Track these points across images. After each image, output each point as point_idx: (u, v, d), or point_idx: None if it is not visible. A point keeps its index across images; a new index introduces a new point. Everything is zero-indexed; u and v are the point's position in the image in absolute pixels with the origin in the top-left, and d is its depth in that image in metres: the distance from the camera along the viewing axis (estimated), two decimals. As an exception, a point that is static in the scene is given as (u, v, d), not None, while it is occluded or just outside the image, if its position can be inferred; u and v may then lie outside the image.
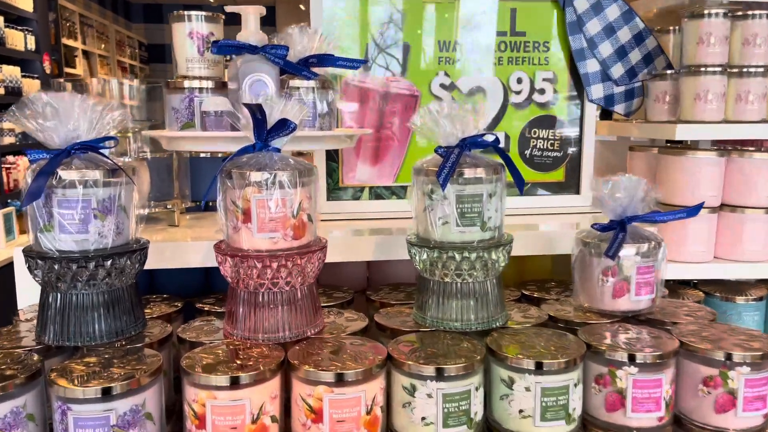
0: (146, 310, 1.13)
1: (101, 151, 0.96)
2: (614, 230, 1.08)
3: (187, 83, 1.21)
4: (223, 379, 0.85)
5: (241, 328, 0.98)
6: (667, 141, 1.66)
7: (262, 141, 0.97)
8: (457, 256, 0.98)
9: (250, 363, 0.88)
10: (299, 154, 1.73)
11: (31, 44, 4.36)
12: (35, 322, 1.01)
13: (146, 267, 1.02)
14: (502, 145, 1.57)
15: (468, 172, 0.97)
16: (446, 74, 1.50)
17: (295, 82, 1.19)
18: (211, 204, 1.67)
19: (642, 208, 1.10)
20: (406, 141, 1.51)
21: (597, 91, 1.56)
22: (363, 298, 1.26)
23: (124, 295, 0.99)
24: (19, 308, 1.17)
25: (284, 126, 0.95)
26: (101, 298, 0.96)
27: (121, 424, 0.84)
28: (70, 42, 5.53)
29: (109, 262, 0.94)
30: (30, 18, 4.39)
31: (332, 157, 1.50)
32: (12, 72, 4.04)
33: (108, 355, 0.92)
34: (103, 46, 6.55)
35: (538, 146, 1.56)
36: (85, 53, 6.04)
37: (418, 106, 1.51)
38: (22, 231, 3.15)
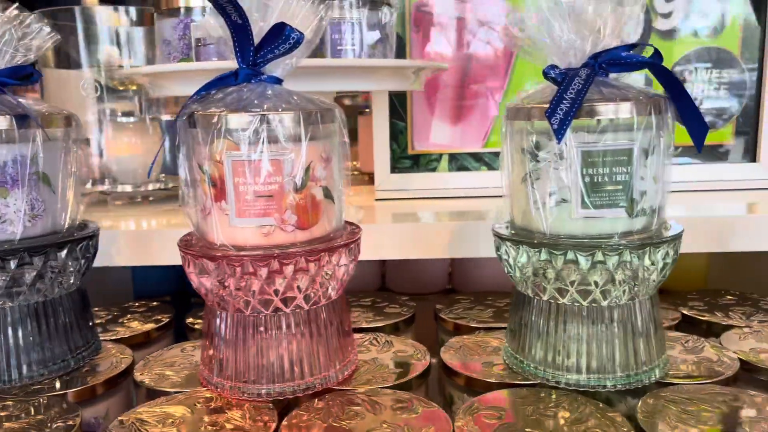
0: (118, 328, 0.78)
1: (5, 88, 0.61)
2: None
3: (182, 1, 0.85)
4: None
5: (218, 372, 0.61)
6: None
7: (247, 63, 0.58)
8: (584, 262, 0.55)
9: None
10: (359, 112, 1.34)
11: None
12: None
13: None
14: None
15: (604, 111, 0.54)
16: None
17: (332, -7, 0.81)
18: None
19: None
20: (502, 89, 1.08)
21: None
22: (432, 314, 0.85)
23: (50, 310, 0.64)
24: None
25: (280, 36, 0.56)
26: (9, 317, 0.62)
27: None
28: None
29: (14, 262, 0.59)
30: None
31: (398, 113, 1.09)
32: None
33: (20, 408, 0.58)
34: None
35: (694, 94, 1.08)
36: None
37: (519, 39, 1.08)
38: None
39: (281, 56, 0.57)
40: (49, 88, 1.03)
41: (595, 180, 0.54)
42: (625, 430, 0.51)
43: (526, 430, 0.51)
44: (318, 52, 0.83)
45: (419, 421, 0.53)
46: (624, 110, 0.54)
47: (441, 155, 1.08)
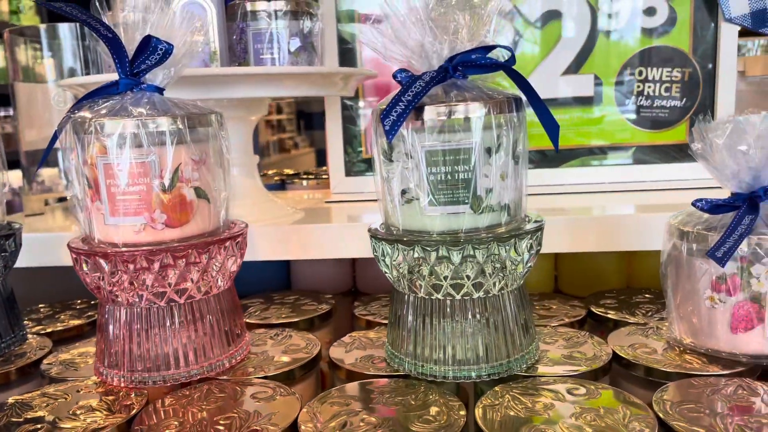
0: (51, 323, 0.84)
1: None
2: (734, 211, 0.61)
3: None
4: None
5: (106, 362, 0.65)
6: None
7: (126, 74, 0.62)
8: (431, 256, 0.57)
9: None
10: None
11: None
12: None
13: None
14: (591, 89, 1.11)
15: (443, 112, 0.56)
16: (503, -6, 1.07)
17: (255, 5, 0.85)
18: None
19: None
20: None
21: (739, 5, 1.04)
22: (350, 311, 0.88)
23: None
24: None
25: (148, 47, 0.60)
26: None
27: None
28: None
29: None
30: None
31: (351, 119, 1.12)
32: None
33: None
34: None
35: (646, 93, 1.07)
36: None
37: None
38: None
39: (155, 66, 0.61)
40: (20, 102, 1.10)
41: (439, 178, 0.56)
42: (455, 418, 0.53)
43: (363, 415, 0.54)
44: (242, 61, 0.88)
45: (271, 408, 0.56)
46: (463, 111, 0.55)
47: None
